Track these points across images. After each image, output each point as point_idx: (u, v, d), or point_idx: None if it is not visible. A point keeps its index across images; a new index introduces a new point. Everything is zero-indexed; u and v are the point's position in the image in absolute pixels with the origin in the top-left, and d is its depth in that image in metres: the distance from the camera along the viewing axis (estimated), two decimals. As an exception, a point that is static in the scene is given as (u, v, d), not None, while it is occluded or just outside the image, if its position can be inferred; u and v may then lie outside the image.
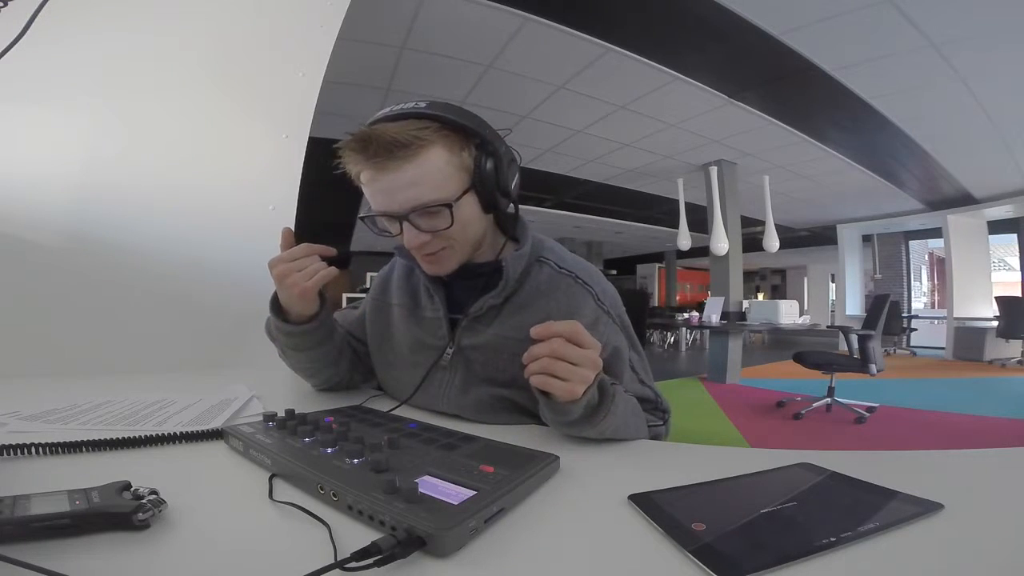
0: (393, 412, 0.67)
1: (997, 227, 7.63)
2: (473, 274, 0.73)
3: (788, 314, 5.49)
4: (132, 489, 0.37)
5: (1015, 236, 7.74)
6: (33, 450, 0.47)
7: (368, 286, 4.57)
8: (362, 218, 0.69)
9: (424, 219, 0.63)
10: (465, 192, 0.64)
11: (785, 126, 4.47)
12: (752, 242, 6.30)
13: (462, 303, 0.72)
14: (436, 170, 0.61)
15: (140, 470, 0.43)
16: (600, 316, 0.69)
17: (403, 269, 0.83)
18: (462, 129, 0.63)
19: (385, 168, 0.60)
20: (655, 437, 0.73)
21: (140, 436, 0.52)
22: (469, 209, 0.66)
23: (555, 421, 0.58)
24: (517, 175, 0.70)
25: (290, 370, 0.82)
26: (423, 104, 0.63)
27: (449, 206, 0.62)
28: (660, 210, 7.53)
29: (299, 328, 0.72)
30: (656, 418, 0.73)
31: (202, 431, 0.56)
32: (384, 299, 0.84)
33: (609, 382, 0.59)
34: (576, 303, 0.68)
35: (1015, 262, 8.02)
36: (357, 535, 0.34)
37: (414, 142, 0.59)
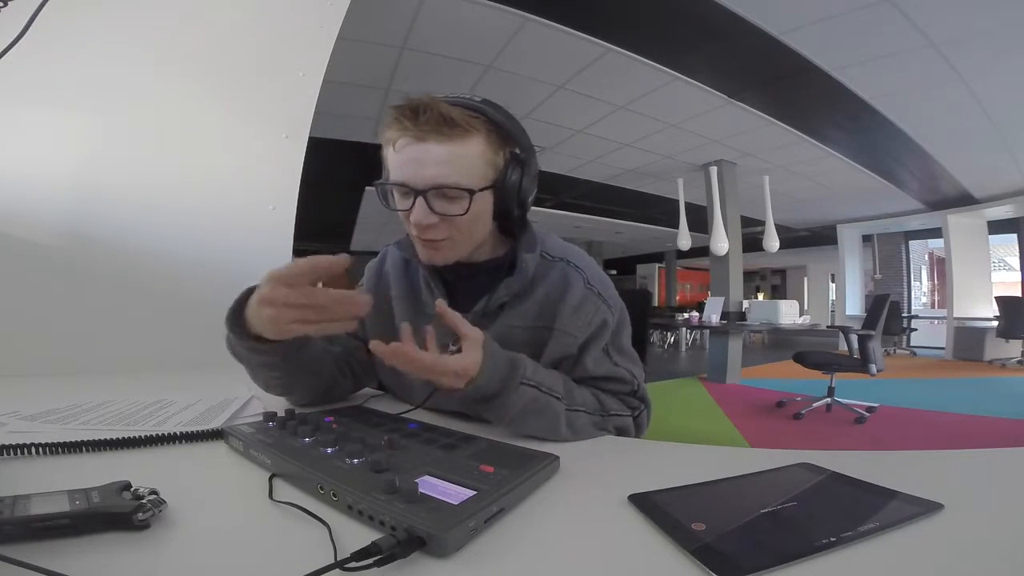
0: (399, 413, 0.67)
1: (997, 227, 7.62)
2: (477, 272, 0.73)
3: (788, 314, 5.49)
4: (132, 489, 0.36)
5: (1015, 236, 7.73)
6: (33, 450, 0.47)
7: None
8: (376, 185, 0.69)
9: (440, 200, 0.63)
10: (486, 188, 0.65)
11: (785, 126, 4.47)
12: (752, 242, 6.29)
13: (462, 299, 0.72)
14: (471, 158, 0.63)
15: (140, 470, 0.43)
16: (588, 296, 0.71)
17: (398, 260, 0.82)
18: (506, 132, 0.66)
19: (426, 140, 0.61)
20: (620, 429, 0.70)
21: (140, 436, 0.52)
22: (484, 206, 0.66)
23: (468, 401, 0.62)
24: (535, 191, 0.72)
25: None
26: (478, 99, 0.66)
27: (470, 194, 0.63)
28: (660, 210, 7.52)
29: (271, 347, 0.61)
30: (626, 406, 0.71)
31: (202, 431, 0.56)
32: (381, 290, 0.81)
33: (522, 373, 0.61)
34: (568, 283, 0.71)
35: (1015, 262, 8.01)
36: (357, 535, 0.34)
37: (463, 124, 0.61)
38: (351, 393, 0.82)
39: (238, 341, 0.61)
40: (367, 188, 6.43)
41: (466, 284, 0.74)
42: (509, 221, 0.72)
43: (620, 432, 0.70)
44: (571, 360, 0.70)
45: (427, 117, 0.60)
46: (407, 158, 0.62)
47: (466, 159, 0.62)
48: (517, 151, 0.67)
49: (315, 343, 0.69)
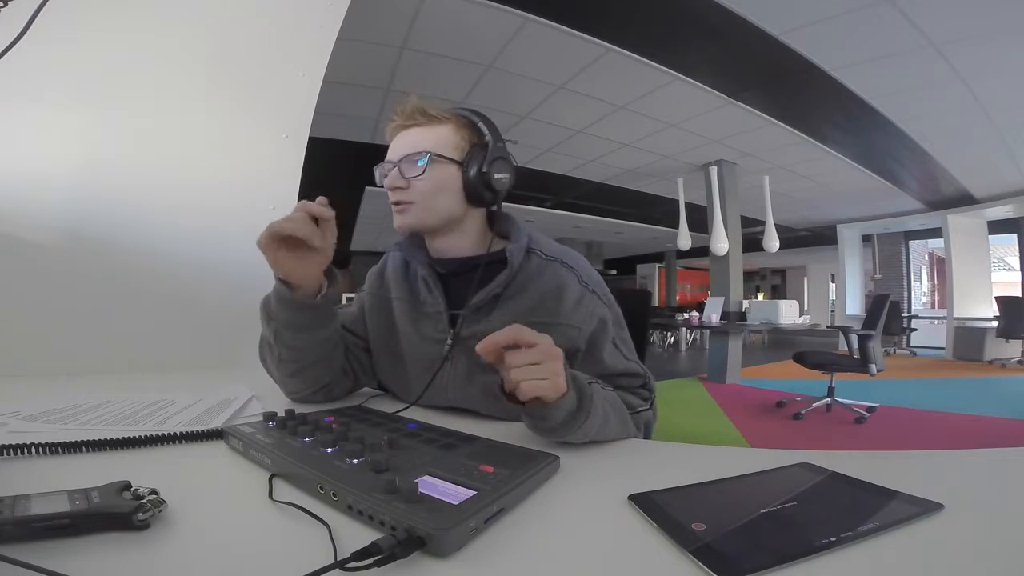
0: (395, 412, 0.67)
1: (997, 227, 7.62)
2: (468, 267, 0.76)
3: (788, 314, 5.49)
4: (132, 489, 0.37)
5: (1015, 236, 7.73)
6: (33, 450, 0.47)
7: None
8: (375, 167, 0.80)
9: (408, 166, 0.73)
10: (448, 160, 0.73)
11: (785, 126, 4.47)
12: (752, 242, 6.29)
13: (459, 297, 0.75)
14: (437, 138, 0.74)
15: (140, 470, 0.43)
16: (584, 293, 0.75)
17: (398, 262, 0.85)
18: (473, 125, 0.77)
19: (408, 127, 0.76)
20: (646, 424, 0.73)
21: (140, 436, 0.52)
22: (446, 179, 0.74)
23: (539, 428, 0.57)
24: (508, 176, 0.77)
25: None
26: (463, 108, 0.79)
27: (427, 155, 0.72)
28: (660, 210, 7.52)
29: (306, 301, 0.68)
30: (642, 399, 0.74)
31: (202, 431, 0.56)
32: (382, 292, 0.85)
33: (586, 381, 0.59)
34: (563, 282, 0.74)
35: (1015, 262, 8.01)
36: (357, 535, 0.34)
37: (436, 116, 0.75)
38: (350, 392, 0.83)
39: (282, 290, 0.68)
40: (367, 188, 6.44)
41: (460, 280, 0.76)
42: (483, 204, 0.77)
43: (645, 427, 0.73)
44: (580, 356, 0.71)
45: (411, 111, 0.75)
46: (395, 144, 0.76)
47: (433, 138, 0.74)
48: (486, 140, 0.76)
49: (336, 324, 0.76)
